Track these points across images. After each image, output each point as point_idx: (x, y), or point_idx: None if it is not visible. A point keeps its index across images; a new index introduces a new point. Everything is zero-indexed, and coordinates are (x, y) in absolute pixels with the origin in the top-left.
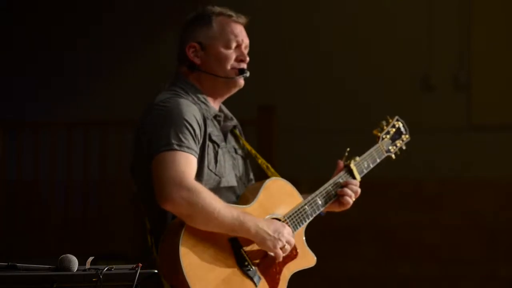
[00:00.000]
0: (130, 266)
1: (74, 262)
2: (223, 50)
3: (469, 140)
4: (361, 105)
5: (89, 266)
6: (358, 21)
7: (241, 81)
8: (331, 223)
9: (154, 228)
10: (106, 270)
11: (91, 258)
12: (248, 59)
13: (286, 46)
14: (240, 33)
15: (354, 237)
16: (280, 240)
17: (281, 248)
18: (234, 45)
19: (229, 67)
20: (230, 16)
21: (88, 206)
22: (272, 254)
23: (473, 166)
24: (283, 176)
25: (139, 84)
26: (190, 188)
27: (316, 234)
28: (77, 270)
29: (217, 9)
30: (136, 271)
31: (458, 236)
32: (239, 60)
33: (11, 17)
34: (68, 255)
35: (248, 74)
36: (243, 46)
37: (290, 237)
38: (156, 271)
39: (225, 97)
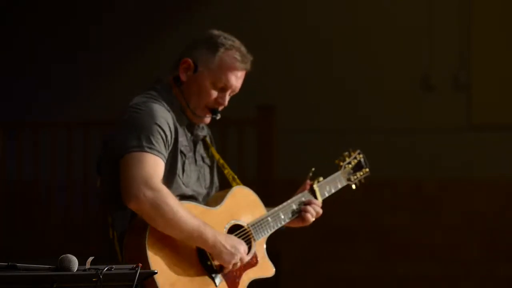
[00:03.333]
0: (130, 266)
1: (74, 262)
2: (208, 85)
3: (469, 140)
4: (361, 105)
5: (89, 266)
6: (358, 21)
7: (207, 120)
8: (330, 224)
9: (115, 223)
10: (106, 270)
11: (91, 258)
12: (226, 104)
13: (286, 46)
14: (234, 80)
15: (354, 238)
16: (236, 255)
17: (235, 264)
18: (221, 86)
19: (203, 104)
20: (235, 59)
21: (88, 206)
22: (225, 266)
23: (473, 166)
24: (283, 176)
25: (139, 84)
26: (156, 189)
27: (316, 235)
28: (77, 270)
29: (230, 43)
30: (136, 271)
31: (458, 236)
32: (217, 102)
33: (11, 17)
34: (68, 255)
35: (219, 116)
36: (229, 91)
37: (245, 254)
38: (156, 271)
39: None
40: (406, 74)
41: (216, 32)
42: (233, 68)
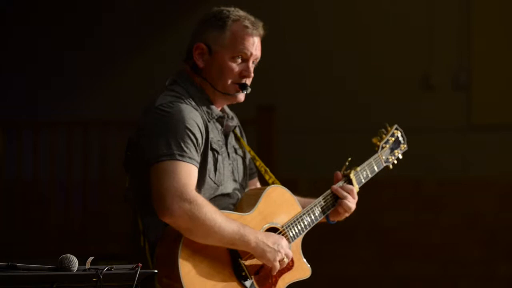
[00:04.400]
0: (130, 266)
1: (74, 262)
2: (228, 61)
3: (469, 140)
4: (361, 105)
5: (89, 266)
6: (358, 21)
7: (241, 97)
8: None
9: (147, 230)
10: (106, 270)
11: (91, 258)
12: (252, 75)
13: (286, 46)
14: (251, 46)
15: (354, 238)
16: (280, 252)
17: (279, 261)
18: (241, 58)
19: (229, 81)
20: (246, 26)
21: (88, 206)
22: (269, 265)
23: (473, 166)
24: (283, 176)
25: (139, 84)
26: (191, 201)
27: (316, 235)
28: (77, 270)
29: (235, 14)
30: (136, 271)
31: (458, 236)
32: (242, 75)
33: (11, 17)
34: (68, 255)
35: (249, 90)
36: (251, 60)
37: (288, 249)
38: (156, 271)
39: (225, 104)
40: (406, 74)
41: (216, 9)
42: (246, 35)
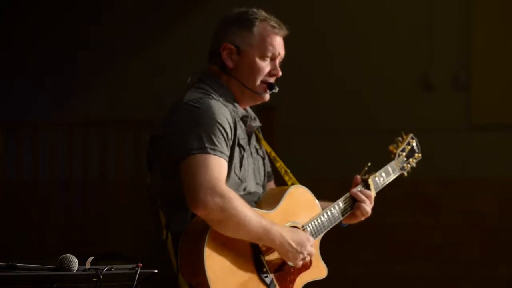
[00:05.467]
0: (130, 266)
1: (74, 262)
2: (258, 60)
3: (469, 140)
4: (361, 105)
5: (89, 266)
6: (358, 21)
7: (267, 96)
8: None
9: (171, 223)
10: (106, 270)
11: (91, 258)
12: (280, 73)
13: (286, 46)
14: (278, 45)
15: (354, 238)
16: (302, 253)
17: (302, 260)
18: (270, 57)
19: (259, 80)
20: (273, 26)
21: (88, 206)
22: (291, 264)
23: (473, 166)
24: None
25: (139, 84)
26: (223, 195)
27: None
28: (77, 270)
29: (262, 14)
30: (136, 271)
31: (458, 236)
32: (271, 74)
33: (11, 17)
34: (68, 255)
35: (277, 90)
36: (278, 59)
37: (312, 248)
38: (155, 271)
39: (250, 105)
40: (406, 74)
41: (240, 9)
42: (274, 35)
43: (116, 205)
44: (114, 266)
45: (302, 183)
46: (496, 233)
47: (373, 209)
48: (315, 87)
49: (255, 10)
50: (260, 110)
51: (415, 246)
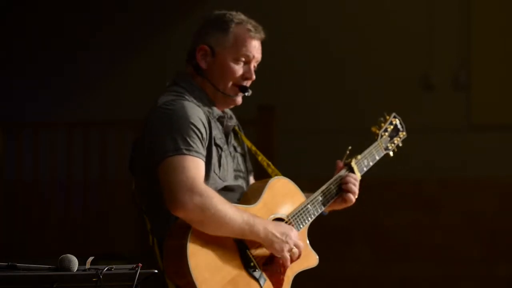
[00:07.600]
0: (130, 266)
1: (74, 262)
2: (231, 63)
3: (469, 140)
4: (361, 105)
5: (89, 266)
6: (358, 21)
7: (239, 100)
8: (329, 224)
9: (155, 228)
10: (106, 270)
11: (91, 258)
12: (254, 77)
13: (286, 46)
14: (254, 49)
15: (353, 238)
16: (288, 243)
17: (288, 251)
18: (244, 60)
19: (231, 83)
20: (249, 30)
21: (88, 206)
22: (278, 256)
23: (473, 166)
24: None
25: (139, 84)
26: (202, 193)
27: (314, 235)
28: (77, 270)
29: (238, 17)
30: (136, 271)
31: (458, 236)
32: (244, 77)
33: (11, 17)
34: (68, 255)
35: (249, 93)
36: (252, 62)
37: (297, 240)
38: (155, 271)
39: (224, 107)
40: (406, 74)
41: (218, 12)
42: (249, 38)
43: (116, 205)
44: (114, 266)
45: (302, 182)
46: (496, 233)
47: (373, 209)
48: (315, 87)
49: (233, 12)
50: (260, 110)
51: (415, 246)
